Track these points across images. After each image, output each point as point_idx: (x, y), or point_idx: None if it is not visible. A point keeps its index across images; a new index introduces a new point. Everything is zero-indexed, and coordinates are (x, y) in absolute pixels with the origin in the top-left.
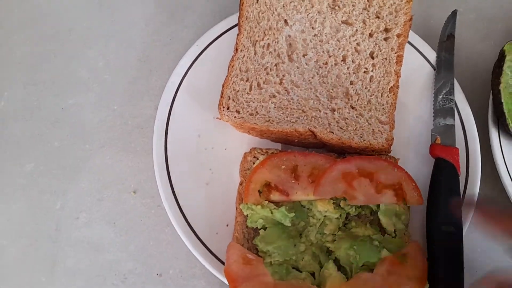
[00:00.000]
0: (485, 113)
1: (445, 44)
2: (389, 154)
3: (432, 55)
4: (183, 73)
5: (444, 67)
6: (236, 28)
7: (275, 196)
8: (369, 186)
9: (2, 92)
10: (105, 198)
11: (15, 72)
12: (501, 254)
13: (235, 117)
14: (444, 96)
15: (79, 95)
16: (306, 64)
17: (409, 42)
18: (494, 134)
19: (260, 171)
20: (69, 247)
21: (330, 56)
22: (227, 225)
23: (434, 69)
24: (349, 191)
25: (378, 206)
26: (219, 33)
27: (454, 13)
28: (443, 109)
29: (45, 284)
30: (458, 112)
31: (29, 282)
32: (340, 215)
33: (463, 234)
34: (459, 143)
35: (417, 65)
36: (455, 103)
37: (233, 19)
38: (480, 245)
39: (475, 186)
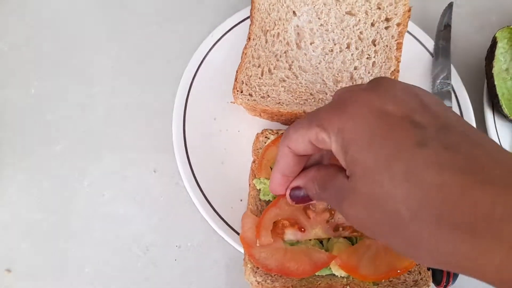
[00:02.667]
0: (480, 96)
1: (442, 33)
2: None
3: (430, 44)
4: (199, 61)
5: (442, 54)
6: (248, 20)
7: None
8: None
9: (32, 82)
10: (128, 176)
11: (44, 64)
12: None
13: (248, 100)
14: (442, 80)
15: (103, 84)
16: (313, 51)
17: (409, 32)
18: (489, 114)
19: (272, 148)
20: (96, 221)
21: (335, 44)
22: (241, 200)
23: (432, 56)
24: None
25: None
26: (232, 25)
27: (450, 5)
28: (441, 92)
29: (75, 254)
30: (455, 95)
31: (60, 253)
32: None
33: None
34: None
35: (417, 52)
36: (452, 87)
37: (245, 12)
38: None
39: None
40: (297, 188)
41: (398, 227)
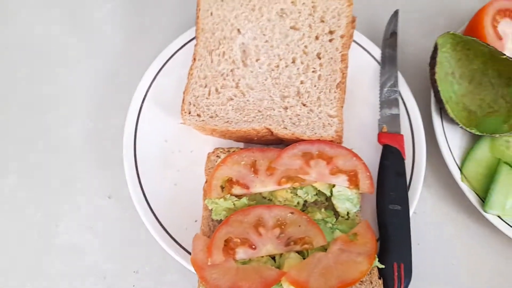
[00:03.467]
0: (429, 102)
1: (389, 41)
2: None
3: (377, 52)
4: (148, 85)
5: (388, 62)
6: (194, 41)
7: (237, 190)
8: (324, 167)
9: None
10: (82, 205)
11: None
12: (451, 228)
13: (196, 120)
14: (389, 88)
15: (53, 111)
16: (259, 68)
17: (355, 41)
18: (437, 120)
19: (222, 168)
20: (51, 253)
21: (281, 59)
22: (196, 221)
23: (380, 65)
24: (305, 168)
25: (332, 192)
26: (179, 46)
27: (396, 12)
28: (389, 100)
29: None
30: (403, 102)
31: None
32: (298, 203)
33: (411, 211)
34: (406, 130)
35: (364, 61)
36: (400, 94)
37: (192, 32)
38: (431, 221)
39: (421, 168)
40: None
41: None
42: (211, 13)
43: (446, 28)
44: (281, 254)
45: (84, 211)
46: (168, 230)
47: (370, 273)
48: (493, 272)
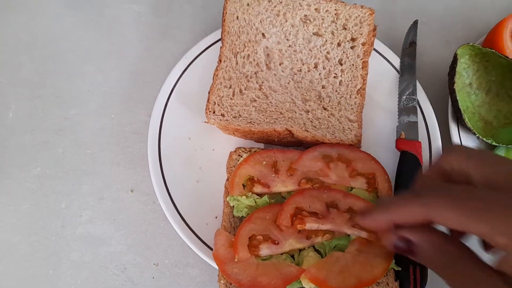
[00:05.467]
0: (445, 110)
1: (408, 50)
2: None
3: (396, 61)
4: (174, 82)
5: (407, 71)
6: (220, 42)
7: (258, 188)
8: (344, 170)
9: (9, 105)
10: (105, 197)
11: (22, 87)
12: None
13: (220, 120)
14: (407, 96)
15: (80, 106)
16: (282, 71)
17: (375, 50)
18: (453, 128)
19: (244, 166)
20: (74, 242)
21: (303, 64)
22: (216, 217)
23: (398, 73)
24: (325, 170)
25: None
26: (205, 47)
27: (415, 22)
28: (407, 107)
29: (53, 276)
30: (421, 110)
31: (38, 275)
32: None
33: None
34: (423, 138)
35: (383, 69)
36: (418, 102)
37: (217, 34)
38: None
39: None
40: (406, 239)
41: None
42: (237, 17)
43: (464, 39)
44: (299, 253)
45: (106, 204)
46: (189, 224)
47: (387, 275)
48: None
